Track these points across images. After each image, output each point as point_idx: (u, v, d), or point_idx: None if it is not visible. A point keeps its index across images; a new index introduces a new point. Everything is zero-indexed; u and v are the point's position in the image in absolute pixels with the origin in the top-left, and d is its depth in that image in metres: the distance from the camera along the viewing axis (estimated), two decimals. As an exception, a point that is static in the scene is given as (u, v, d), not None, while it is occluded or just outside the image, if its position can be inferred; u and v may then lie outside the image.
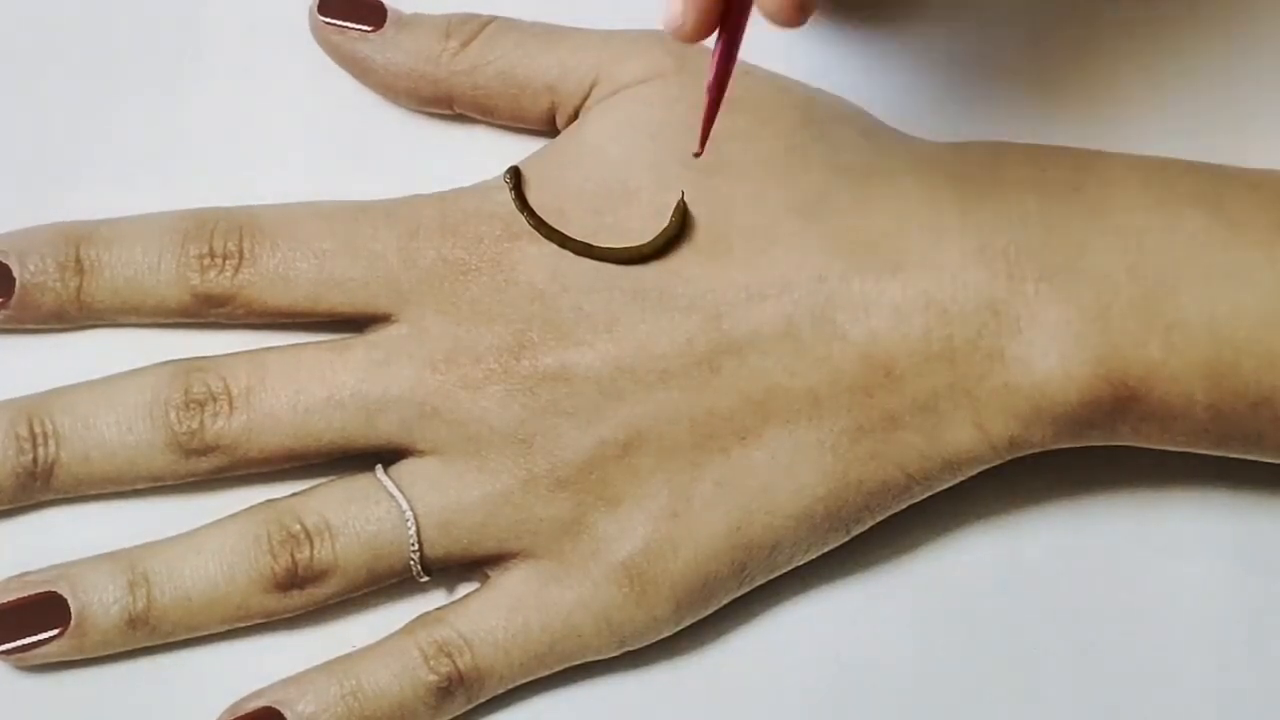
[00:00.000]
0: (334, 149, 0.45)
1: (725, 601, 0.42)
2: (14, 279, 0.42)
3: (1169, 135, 0.45)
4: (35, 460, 0.41)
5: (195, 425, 0.41)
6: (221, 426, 0.41)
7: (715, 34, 0.35)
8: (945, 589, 0.43)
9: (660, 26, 0.34)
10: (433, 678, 0.40)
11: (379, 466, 0.41)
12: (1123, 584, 0.43)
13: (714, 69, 0.36)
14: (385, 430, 0.41)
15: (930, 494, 0.42)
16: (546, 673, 0.41)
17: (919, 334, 0.40)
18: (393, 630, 0.41)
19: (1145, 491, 0.44)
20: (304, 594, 0.41)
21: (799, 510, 0.41)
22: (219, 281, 0.42)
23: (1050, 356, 0.40)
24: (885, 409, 0.41)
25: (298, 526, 0.40)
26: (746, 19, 0.35)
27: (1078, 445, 0.42)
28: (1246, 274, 0.40)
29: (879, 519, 0.42)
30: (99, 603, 0.40)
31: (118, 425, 0.41)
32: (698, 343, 0.41)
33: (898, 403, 0.41)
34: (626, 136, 0.42)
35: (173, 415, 0.41)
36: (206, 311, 0.42)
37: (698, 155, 0.38)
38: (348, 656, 0.40)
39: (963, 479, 0.42)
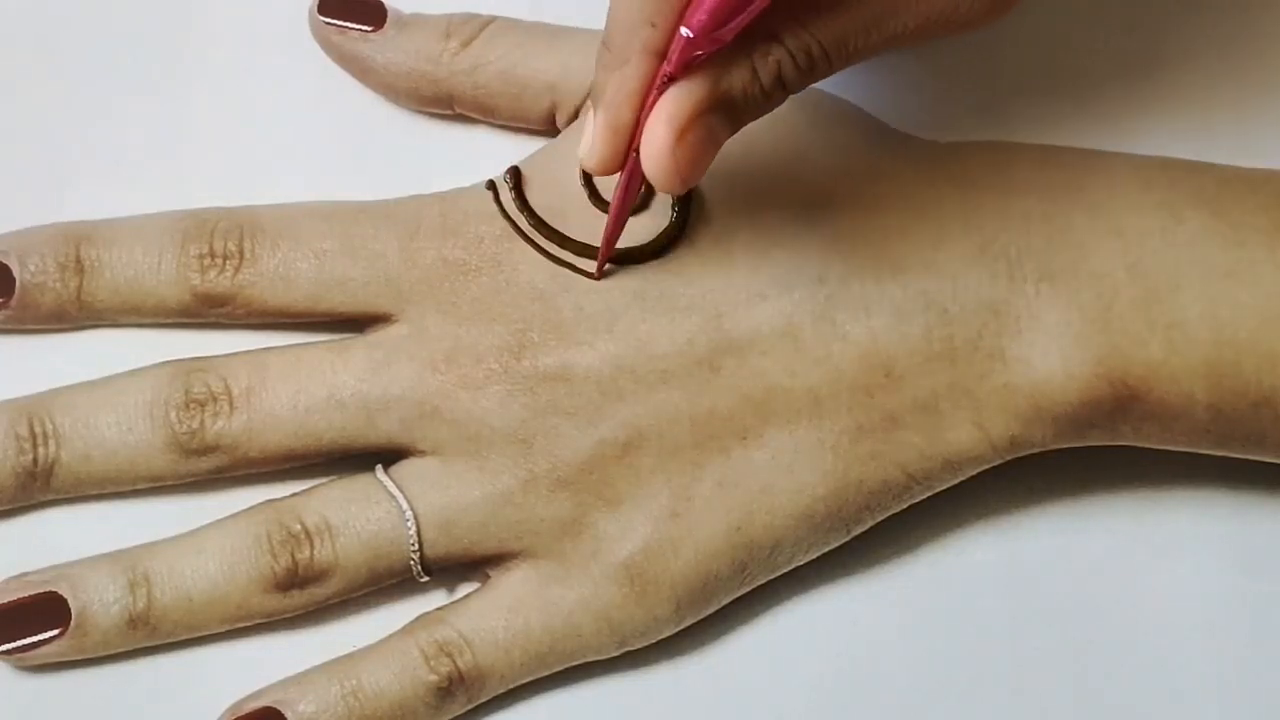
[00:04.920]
0: (334, 149, 0.45)
1: (726, 601, 0.42)
2: (14, 279, 0.42)
3: (1169, 135, 0.45)
4: (35, 460, 0.41)
5: (195, 425, 0.41)
6: (222, 426, 0.41)
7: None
8: (945, 589, 0.43)
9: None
10: (433, 678, 0.40)
11: (379, 466, 0.41)
12: (1123, 584, 0.43)
13: (616, 200, 0.39)
14: (386, 430, 0.41)
15: (930, 494, 0.42)
16: (547, 673, 0.41)
17: (919, 334, 0.40)
18: (393, 630, 0.41)
19: (1145, 491, 0.44)
20: (304, 594, 0.40)
21: (800, 510, 0.41)
22: (219, 281, 0.42)
23: (1051, 356, 0.40)
24: (886, 409, 0.41)
25: (298, 526, 0.40)
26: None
27: (1078, 445, 0.42)
28: (1248, 274, 0.40)
29: (879, 519, 0.42)
30: (99, 603, 0.40)
31: (118, 425, 0.41)
32: (698, 343, 0.41)
33: (898, 402, 0.40)
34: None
35: (173, 415, 0.41)
36: (207, 311, 0.42)
37: (596, 278, 0.41)
38: (348, 656, 0.40)
39: (963, 479, 0.42)
